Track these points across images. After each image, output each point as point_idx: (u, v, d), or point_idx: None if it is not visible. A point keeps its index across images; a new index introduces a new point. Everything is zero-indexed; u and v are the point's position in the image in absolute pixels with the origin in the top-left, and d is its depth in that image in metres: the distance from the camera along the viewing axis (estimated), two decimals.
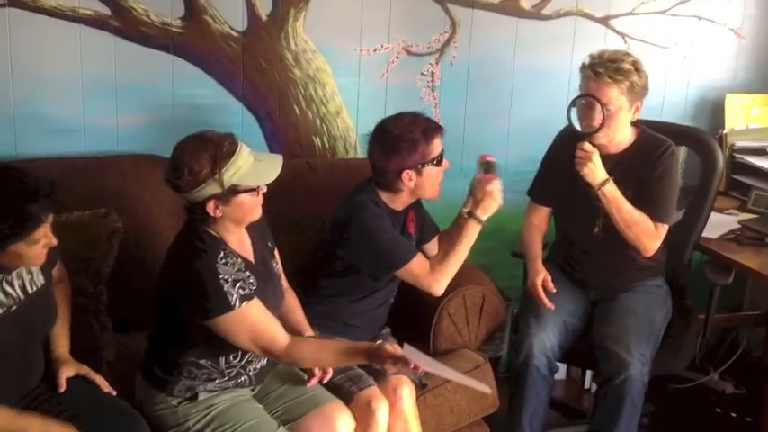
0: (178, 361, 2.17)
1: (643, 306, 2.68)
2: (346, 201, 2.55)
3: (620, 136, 2.63)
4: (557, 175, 2.71)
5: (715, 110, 3.65)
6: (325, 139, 3.21)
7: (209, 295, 2.04)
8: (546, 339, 2.59)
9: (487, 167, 2.50)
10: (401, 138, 2.44)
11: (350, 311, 2.56)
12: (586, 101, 2.56)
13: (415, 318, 2.70)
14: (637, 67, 2.57)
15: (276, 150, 3.12)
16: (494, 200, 2.48)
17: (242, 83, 3.04)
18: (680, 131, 2.95)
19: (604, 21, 3.43)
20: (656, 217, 2.63)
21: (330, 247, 2.54)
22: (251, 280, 2.13)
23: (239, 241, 2.20)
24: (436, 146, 2.48)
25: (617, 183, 2.58)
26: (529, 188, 2.87)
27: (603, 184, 2.56)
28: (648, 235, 2.63)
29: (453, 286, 2.58)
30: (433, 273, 2.46)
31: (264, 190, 2.15)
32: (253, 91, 3.06)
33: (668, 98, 3.53)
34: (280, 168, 2.14)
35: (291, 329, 2.26)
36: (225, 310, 2.04)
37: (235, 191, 2.07)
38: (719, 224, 3.11)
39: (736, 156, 3.49)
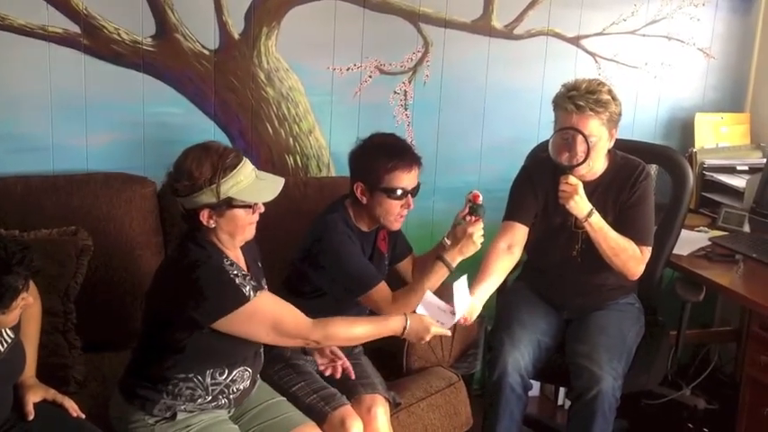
0: (165, 375, 2.13)
1: (615, 324, 2.69)
2: (318, 220, 2.54)
3: (598, 164, 2.65)
4: (533, 199, 2.71)
5: (685, 128, 3.69)
6: (298, 158, 3.21)
7: (223, 291, 2.05)
8: (520, 358, 2.58)
9: (474, 209, 2.48)
10: (371, 148, 2.48)
11: None
12: (570, 134, 2.55)
13: (388, 336, 2.67)
14: (613, 96, 2.58)
15: None
16: (473, 244, 2.46)
17: (214, 101, 3.03)
18: (651, 150, 2.98)
19: (575, 41, 3.46)
20: (640, 241, 2.65)
21: (299, 266, 2.53)
22: (254, 283, 2.13)
23: (236, 258, 2.20)
24: (398, 177, 2.45)
25: (596, 209, 2.60)
26: (504, 215, 2.83)
27: (589, 215, 2.57)
28: (635, 260, 2.65)
29: None
30: (395, 303, 2.44)
31: (262, 209, 2.16)
32: (225, 109, 3.05)
33: (639, 117, 3.57)
34: (279, 190, 2.15)
35: None
36: (242, 301, 2.06)
37: (230, 204, 2.08)
38: (690, 241, 3.13)
39: (706, 174, 3.53)
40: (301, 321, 2.14)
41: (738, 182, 3.44)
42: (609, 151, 2.69)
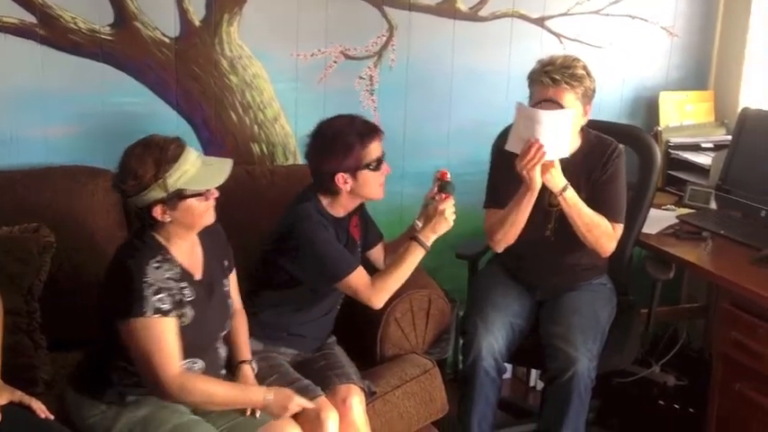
0: (108, 367, 2.12)
1: (588, 304, 2.70)
2: (289, 210, 2.51)
3: (573, 142, 2.64)
4: (508, 179, 2.68)
5: (650, 107, 3.70)
6: (263, 146, 3.16)
7: (126, 294, 2.01)
8: (493, 341, 2.58)
9: (443, 187, 2.47)
10: (336, 139, 2.43)
11: (294, 321, 2.51)
12: (549, 106, 2.54)
13: (361, 324, 2.66)
14: (587, 72, 2.60)
15: None
16: (445, 221, 2.46)
17: (176, 90, 2.97)
18: (618, 130, 2.97)
19: (540, 22, 3.45)
20: (613, 218, 2.66)
21: (272, 257, 2.50)
22: (186, 291, 2.09)
23: (189, 252, 2.17)
24: (373, 150, 2.45)
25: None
26: (485, 201, 2.84)
27: (564, 189, 2.57)
28: (608, 236, 2.66)
29: (399, 291, 2.55)
30: (374, 287, 2.43)
31: (216, 194, 2.13)
32: (187, 98, 2.99)
33: (604, 97, 3.54)
34: (228, 172, 2.13)
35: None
36: (135, 314, 2.00)
37: (181, 195, 2.05)
38: (658, 220, 3.14)
39: (672, 152, 3.55)
40: (167, 366, 2.02)
41: (704, 159, 3.46)
42: (582, 129, 2.69)
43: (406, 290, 2.62)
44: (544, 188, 2.60)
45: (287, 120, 3.16)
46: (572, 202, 2.59)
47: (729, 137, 3.49)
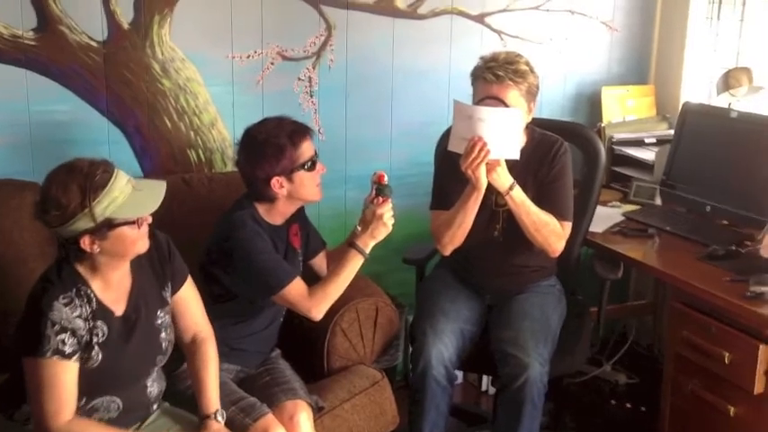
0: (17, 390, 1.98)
1: (538, 307, 2.65)
2: (223, 218, 2.41)
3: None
4: (454, 180, 2.61)
5: (592, 103, 3.68)
6: (200, 152, 3.04)
7: (30, 330, 1.88)
8: (443, 349, 2.51)
9: (380, 190, 2.40)
10: (266, 143, 2.34)
11: (235, 335, 2.41)
12: (492, 104, 2.48)
13: (306, 335, 2.58)
14: (531, 68, 2.55)
15: (148, 166, 2.96)
16: (384, 225, 2.38)
17: (106, 96, 2.83)
18: (562, 127, 2.92)
19: (480, 18, 3.40)
20: (561, 216, 2.62)
21: (206, 269, 2.40)
22: (97, 331, 1.95)
23: (116, 284, 2.02)
24: (306, 149, 2.38)
25: None
26: (431, 203, 2.76)
27: (511, 188, 2.51)
28: (557, 235, 2.61)
29: (345, 300, 2.48)
30: (313, 298, 2.35)
31: (149, 220, 1.98)
32: (118, 104, 2.86)
33: (546, 94, 3.51)
34: (161, 197, 1.97)
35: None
36: (33, 352, 1.87)
37: (111, 224, 1.89)
38: (604, 217, 3.12)
39: (615, 148, 3.53)
40: (58, 412, 1.88)
41: (647, 155, 3.45)
42: (527, 127, 2.64)
43: (352, 299, 2.56)
44: (490, 188, 2.54)
45: (224, 124, 3.06)
46: (519, 200, 2.54)
47: (671, 131, 3.50)
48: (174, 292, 2.17)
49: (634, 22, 3.72)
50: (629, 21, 3.70)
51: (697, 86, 3.63)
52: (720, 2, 3.51)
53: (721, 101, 3.26)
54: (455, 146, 2.49)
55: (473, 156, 2.42)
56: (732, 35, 3.47)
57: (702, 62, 3.60)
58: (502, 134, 2.42)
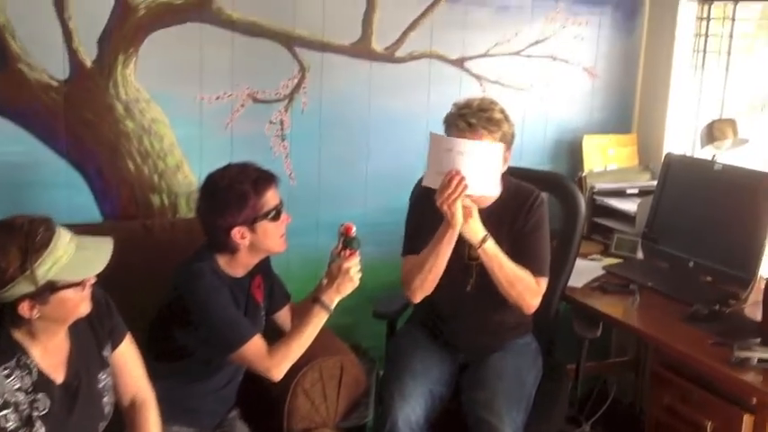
0: None
1: (513, 368, 2.53)
2: (180, 270, 2.28)
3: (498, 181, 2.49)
4: (427, 224, 2.50)
5: (573, 151, 3.59)
6: (164, 197, 2.91)
7: None
8: (410, 412, 2.38)
9: (348, 242, 2.28)
10: (228, 191, 2.22)
11: (190, 394, 2.28)
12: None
13: (267, 395, 2.43)
14: (505, 116, 2.45)
15: (109, 210, 2.83)
16: (350, 281, 2.26)
17: (65, 137, 2.71)
18: (540, 177, 2.83)
19: (459, 63, 3.31)
20: (537, 271, 2.50)
21: (162, 323, 2.27)
22: (38, 404, 1.79)
23: (54, 350, 1.86)
24: (270, 198, 2.26)
25: None
26: (402, 249, 2.64)
27: (484, 241, 2.40)
28: (531, 291, 2.49)
29: (308, 358, 2.34)
30: (273, 357, 2.21)
31: (93, 281, 1.84)
32: (78, 146, 2.73)
33: (527, 141, 3.44)
34: (108, 256, 1.82)
35: None
36: None
37: (53, 287, 1.74)
38: (584, 271, 3.01)
39: (597, 198, 3.44)
40: None
41: (629, 206, 3.36)
42: (502, 176, 2.53)
43: (316, 356, 2.42)
44: (463, 241, 2.43)
45: (190, 168, 2.93)
46: (492, 254, 2.42)
47: (654, 182, 3.40)
48: (113, 349, 2.02)
49: (616, 69, 3.64)
50: (611, 68, 3.63)
51: (680, 136, 3.55)
52: (705, 51, 3.45)
53: (705, 152, 3.17)
54: (430, 180, 2.37)
55: (449, 190, 2.30)
56: (717, 85, 3.39)
57: (686, 112, 3.52)
58: (481, 169, 2.31)
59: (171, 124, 2.87)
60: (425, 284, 2.49)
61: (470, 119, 2.38)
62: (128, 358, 2.05)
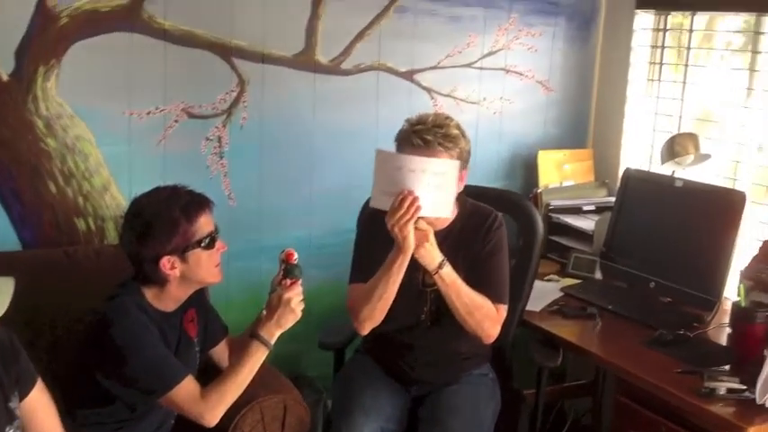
0: None
1: (470, 402, 2.37)
2: (104, 305, 2.06)
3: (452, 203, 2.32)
4: (379, 250, 2.32)
5: (527, 167, 3.46)
6: (90, 221, 2.69)
7: None
8: None
9: (289, 271, 2.09)
10: (156, 217, 2.03)
11: None
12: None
13: None
14: (462, 131, 2.30)
15: (28, 237, 2.60)
16: (291, 312, 2.08)
17: None
18: (495, 196, 2.69)
19: (408, 75, 3.16)
20: (496, 298, 2.35)
21: (83, 365, 2.07)
22: None
23: None
24: (203, 224, 2.07)
25: None
26: (350, 277, 2.45)
27: (440, 266, 2.24)
28: (491, 319, 2.34)
29: (247, 398, 2.16)
30: (206, 400, 2.02)
31: None
32: None
33: (480, 157, 3.25)
34: (9, 298, 1.63)
35: None
36: None
37: None
38: (541, 293, 2.87)
39: (553, 216, 3.30)
40: None
41: (586, 224, 3.23)
42: (458, 197, 2.37)
43: (256, 396, 2.24)
44: (417, 266, 2.26)
45: (119, 189, 2.72)
46: (450, 280, 2.26)
47: (611, 198, 3.29)
48: (21, 399, 1.79)
49: (571, 82, 3.53)
50: (566, 81, 3.52)
51: (637, 151, 3.44)
52: (662, 62, 3.34)
53: (665, 168, 3.05)
54: (379, 202, 2.21)
55: (401, 212, 2.13)
56: (675, 97, 3.28)
57: (643, 126, 3.41)
58: (435, 188, 2.15)
59: (97, 142, 2.66)
60: (375, 314, 2.31)
61: (426, 135, 2.21)
62: (39, 408, 1.83)
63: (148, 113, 2.71)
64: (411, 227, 2.15)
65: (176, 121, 2.76)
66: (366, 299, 2.30)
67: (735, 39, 3.19)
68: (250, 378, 2.07)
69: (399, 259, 2.21)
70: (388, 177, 2.17)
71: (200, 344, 2.25)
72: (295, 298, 2.08)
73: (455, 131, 2.28)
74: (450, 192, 2.20)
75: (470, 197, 2.46)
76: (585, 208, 3.32)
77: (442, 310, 2.35)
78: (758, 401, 2.06)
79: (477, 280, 2.33)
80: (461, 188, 2.34)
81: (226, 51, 2.80)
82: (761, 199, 2.97)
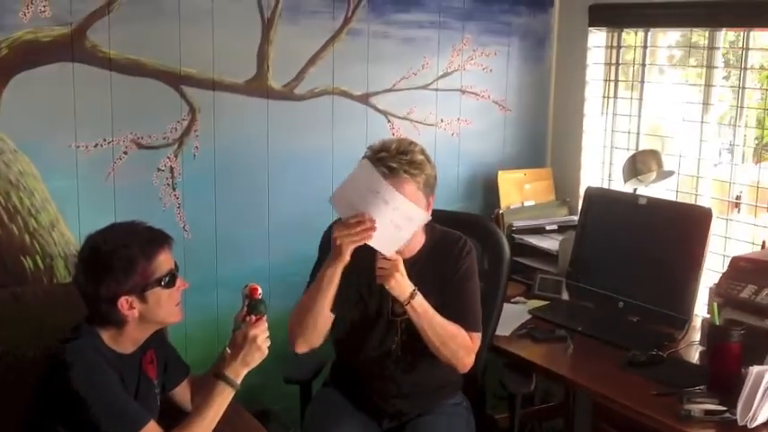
0: None
1: None
2: (57, 350, 1.93)
3: (418, 237, 2.26)
4: (348, 286, 2.25)
5: (487, 188, 3.42)
6: (38, 260, 2.55)
7: None
8: None
9: (253, 306, 1.99)
10: (112, 255, 1.91)
11: None
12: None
13: None
14: (427, 157, 2.23)
15: None
16: (257, 350, 1.98)
17: None
18: (459, 220, 2.63)
19: (364, 99, 3.10)
20: (470, 326, 2.28)
21: (37, 417, 1.92)
22: None
23: None
24: (163, 262, 1.96)
25: None
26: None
27: (412, 296, 2.16)
28: (466, 348, 2.26)
29: None
30: None
31: None
32: None
33: (440, 178, 3.11)
34: None
35: None
36: None
37: None
38: (509, 317, 2.81)
39: (516, 236, 3.25)
40: None
41: (550, 243, 3.19)
42: (426, 224, 2.30)
43: None
44: (386, 295, 2.21)
45: (67, 225, 2.59)
46: (422, 309, 2.19)
47: (573, 217, 3.27)
48: None
49: (527, 101, 3.51)
50: (522, 100, 3.50)
51: (596, 168, 3.42)
52: (617, 80, 3.33)
53: (627, 186, 3.03)
54: (339, 202, 2.16)
55: (352, 232, 2.08)
56: (631, 114, 3.27)
57: (600, 143, 3.39)
58: (395, 228, 2.10)
59: (42, 177, 2.53)
60: (306, 333, 2.23)
61: (390, 162, 2.14)
62: None
63: (96, 146, 2.60)
64: (352, 247, 2.10)
65: (125, 153, 2.65)
66: (297, 314, 2.25)
67: (687, 54, 3.20)
68: (216, 420, 1.96)
69: (333, 266, 2.15)
70: (359, 192, 2.12)
71: (161, 385, 2.13)
72: (261, 335, 1.98)
73: (420, 157, 2.21)
74: (404, 237, 2.15)
75: (435, 222, 2.39)
76: (548, 228, 3.29)
77: (412, 340, 2.27)
78: (740, 423, 2.02)
79: (448, 308, 2.26)
80: (429, 217, 2.27)
81: (174, 79, 2.70)
82: (721, 214, 2.96)
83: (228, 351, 2.02)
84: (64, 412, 1.87)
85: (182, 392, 2.22)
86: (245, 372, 2.00)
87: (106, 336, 1.97)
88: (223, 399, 1.97)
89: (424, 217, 2.15)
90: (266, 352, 2.00)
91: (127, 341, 2.00)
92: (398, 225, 2.10)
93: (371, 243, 2.10)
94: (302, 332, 2.24)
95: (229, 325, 2.07)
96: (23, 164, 2.49)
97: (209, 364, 2.20)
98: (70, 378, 1.85)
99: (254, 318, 2.00)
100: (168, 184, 2.76)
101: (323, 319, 2.23)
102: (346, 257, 2.12)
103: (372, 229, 2.07)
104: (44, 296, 2.42)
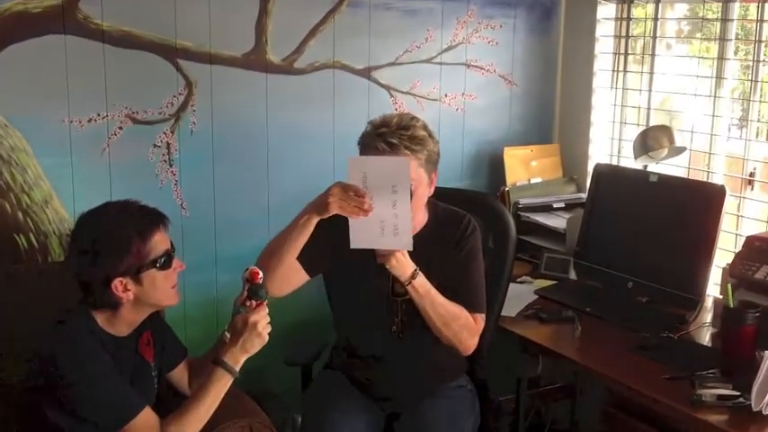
0: None
1: (448, 417, 2.23)
2: (50, 332, 1.87)
3: (418, 216, 2.19)
4: (339, 264, 2.19)
5: (493, 165, 3.34)
6: (32, 237, 2.49)
7: None
8: None
9: (254, 291, 1.92)
10: (106, 236, 1.85)
11: None
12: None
13: None
14: (429, 132, 2.16)
15: None
16: (258, 336, 1.91)
17: None
18: (464, 198, 2.55)
19: (366, 73, 3.01)
20: (473, 307, 2.22)
21: (30, 400, 1.88)
22: None
23: None
24: (158, 242, 1.90)
25: None
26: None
27: (413, 276, 2.10)
28: (469, 330, 2.20)
29: (211, 423, 1.97)
30: (168, 430, 1.85)
31: None
32: None
33: (444, 155, 3.04)
34: None
35: None
36: None
37: None
38: (515, 297, 2.74)
39: (522, 214, 3.18)
40: None
41: (557, 222, 3.12)
42: (429, 202, 2.23)
43: (220, 422, 2.07)
44: (386, 275, 2.14)
45: (61, 202, 2.52)
46: (424, 290, 2.12)
47: (580, 194, 3.19)
48: None
49: (534, 75, 3.42)
50: (528, 74, 3.40)
51: (604, 145, 3.33)
52: (627, 53, 3.23)
53: (637, 163, 2.95)
54: (354, 170, 2.02)
55: (345, 200, 2.00)
56: (642, 89, 3.18)
57: (609, 119, 3.30)
58: (379, 229, 2.03)
59: (35, 153, 2.46)
60: (266, 272, 2.02)
61: (390, 138, 2.07)
62: None
63: (90, 121, 2.52)
64: (339, 211, 2.01)
65: (120, 128, 2.58)
66: (263, 252, 2.18)
67: (699, 26, 3.10)
68: (214, 408, 1.91)
69: (307, 216, 2.07)
70: (380, 176, 2.00)
71: (158, 368, 2.07)
72: (262, 321, 1.90)
73: (422, 133, 2.14)
74: (377, 243, 2.06)
75: (439, 200, 2.32)
76: (555, 205, 3.21)
77: (414, 321, 2.21)
78: (754, 408, 1.95)
79: (452, 288, 2.20)
80: (432, 192, 2.21)
81: (170, 52, 2.62)
82: (734, 191, 2.88)
83: (228, 336, 1.95)
84: (57, 396, 1.82)
85: (179, 375, 2.17)
86: (244, 358, 1.93)
87: (100, 318, 1.91)
88: (221, 386, 1.91)
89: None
90: (266, 339, 1.93)
91: (122, 324, 1.94)
92: (383, 230, 2.03)
93: (350, 225, 2.03)
94: (266, 266, 2.09)
95: (229, 306, 2.01)
96: (15, 139, 2.42)
97: (209, 346, 2.14)
98: (63, 363, 1.81)
99: (254, 303, 1.93)
100: (165, 161, 2.68)
101: (287, 264, 2.13)
102: (327, 214, 2.03)
103: (364, 214, 2.00)
104: (37, 275, 2.37)
